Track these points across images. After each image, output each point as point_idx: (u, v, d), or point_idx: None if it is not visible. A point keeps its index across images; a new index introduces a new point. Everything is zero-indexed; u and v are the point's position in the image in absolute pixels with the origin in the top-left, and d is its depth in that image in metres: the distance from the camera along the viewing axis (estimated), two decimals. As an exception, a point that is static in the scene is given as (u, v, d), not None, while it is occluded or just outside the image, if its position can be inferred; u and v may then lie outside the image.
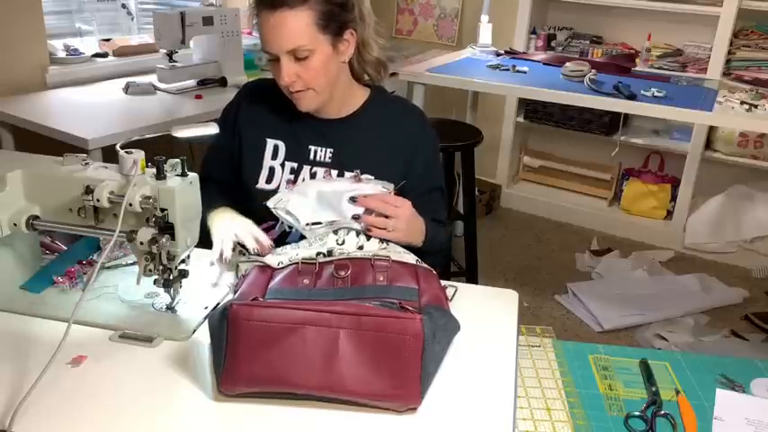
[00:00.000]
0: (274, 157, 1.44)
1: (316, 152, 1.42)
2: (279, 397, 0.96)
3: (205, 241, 1.26)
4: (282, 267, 1.18)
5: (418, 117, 1.51)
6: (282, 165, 1.43)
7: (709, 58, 3.23)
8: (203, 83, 2.81)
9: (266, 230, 1.38)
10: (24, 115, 2.33)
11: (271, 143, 1.45)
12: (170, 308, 1.17)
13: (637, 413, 1.14)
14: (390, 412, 0.95)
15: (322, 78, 1.33)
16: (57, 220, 1.14)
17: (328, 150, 1.42)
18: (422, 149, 1.46)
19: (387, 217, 1.27)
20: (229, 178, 1.48)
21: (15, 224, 1.12)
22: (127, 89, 2.68)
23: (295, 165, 1.43)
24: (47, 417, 0.91)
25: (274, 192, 1.40)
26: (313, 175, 1.41)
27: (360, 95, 1.46)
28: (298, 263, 1.17)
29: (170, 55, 2.75)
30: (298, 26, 1.27)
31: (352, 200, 1.27)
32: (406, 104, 1.56)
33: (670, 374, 1.25)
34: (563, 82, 2.79)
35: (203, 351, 1.08)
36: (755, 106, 2.47)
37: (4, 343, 1.07)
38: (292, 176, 1.42)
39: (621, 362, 1.29)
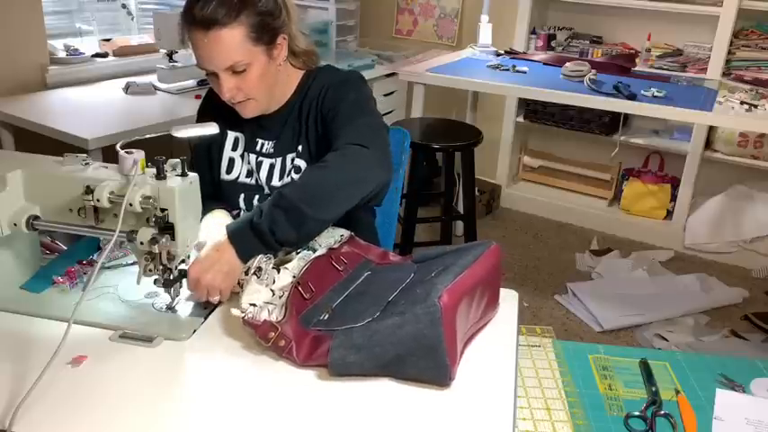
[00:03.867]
0: (234, 148, 1.51)
1: (263, 145, 1.49)
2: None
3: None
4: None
5: (325, 74, 1.48)
6: (242, 156, 1.50)
7: (709, 58, 3.23)
8: (203, 83, 2.81)
9: (235, 217, 1.44)
10: (24, 115, 2.34)
11: (232, 135, 1.51)
12: (170, 308, 1.17)
13: (637, 413, 1.14)
14: (390, 412, 0.95)
15: (262, 87, 1.37)
16: (57, 220, 1.14)
17: (271, 142, 1.48)
18: (335, 97, 1.41)
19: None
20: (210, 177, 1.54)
21: (15, 224, 1.12)
22: (127, 89, 2.69)
23: (249, 155, 1.49)
24: (47, 417, 0.91)
25: (234, 181, 1.49)
26: (259, 164, 1.47)
27: (294, 82, 1.48)
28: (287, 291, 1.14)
29: (170, 55, 2.75)
30: (232, 43, 1.29)
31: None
32: (323, 70, 1.50)
33: (670, 374, 1.25)
34: (563, 82, 2.79)
35: (203, 351, 1.08)
36: (755, 106, 2.48)
37: (4, 343, 1.07)
38: (249, 166, 1.48)
39: (621, 362, 1.29)
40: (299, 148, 1.45)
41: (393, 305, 1.09)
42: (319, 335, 1.06)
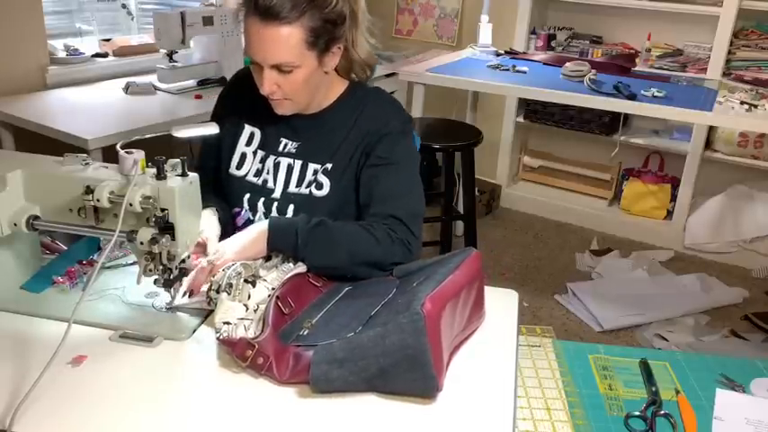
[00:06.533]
0: (249, 143, 1.46)
1: (286, 145, 1.43)
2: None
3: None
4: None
5: (383, 105, 1.44)
6: (255, 153, 1.45)
7: (709, 58, 3.23)
8: (203, 83, 2.82)
9: (234, 216, 1.43)
10: (24, 115, 2.34)
11: (248, 129, 1.46)
12: (170, 308, 1.17)
13: (637, 413, 1.14)
14: (396, 415, 0.96)
15: (303, 91, 1.33)
16: (57, 220, 1.14)
17: (295, 143, 1.43)
18: (382, 133, 1.38)
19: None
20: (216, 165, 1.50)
21: (15, 224, 1.12)
22: (127, 89, 2.69)
23: (264, 154, 1.44)
24: (47, 417, 0.91)
25: (242, 178, 1.43)
26: (276, 165, 1.42)
27: (337, 90, 1.43)
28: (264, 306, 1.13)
29: (170, 55, 2.75)
30: (288, 43, 1.24)
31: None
32: (376, 95, 1.47)
33: (670, 374, 1.25)
34: (563, 82, 2.79)
35: (203, 351, 1.08)
36: (755, 106, 2.48)
37: (4, 343, 1.07)
38: (261, 165, 1.43)
39: (621, 362, 1.29)
40: (329, 166, 1.38)
41: (375, 319, 1.07)
42: (299, 351, 1.03)
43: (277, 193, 1.41)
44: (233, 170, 1.45)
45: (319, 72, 1.33)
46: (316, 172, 1.39)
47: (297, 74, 1.29)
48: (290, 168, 1.41)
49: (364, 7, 1.37)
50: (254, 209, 1.42)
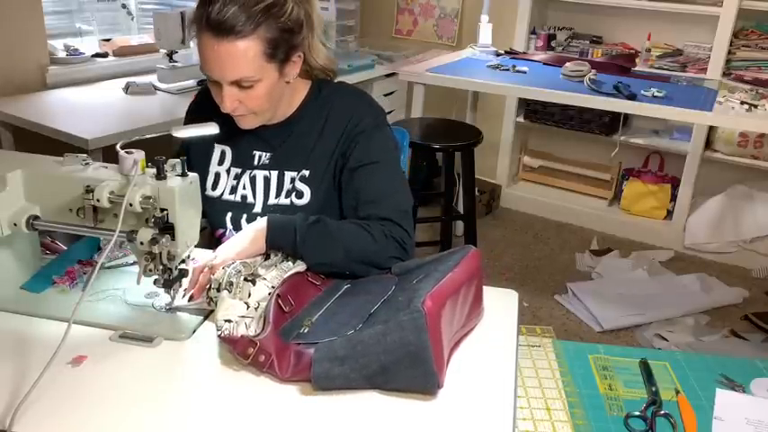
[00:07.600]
0: (221, 162, 1.43)
1: (260, 157, 1.41)
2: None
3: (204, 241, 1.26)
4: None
5: (351, 102, 1.41)
6: (228, 171, 1.42)
7: (709, 58, 3.24)
8: (203, 83, 2.81)
9: (219, 237, 1.40)
10: (24, 115, 2.34)
11: (218, 149, 1.43)
12: (170, 308, 1.17)
13: (637, 413, 1.14)
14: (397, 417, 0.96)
15: (266, 104, 1.30)
16: (57, 220, 1.14)
17: (268, 153, 1.41)
18: (356, 132, 1.37)
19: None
20: None
21: (15, 224, 1.12)
22: (127, 89, 2.69)
23: (239, 170, 1.41)
24: (47, 417, 0.91)
25: (219, 198, 1.41)
26: (253, 179, 1.40)
27: (301, 93, 1.41)
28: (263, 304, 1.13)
29: (170, 55, 2.75)
30: (246, 57, 1.21)
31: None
32: (343, 92, 1.44)
33: (670, 374, 1.25)
34: (563, 82, 2.79)
35: (203, 351, 1.08)
36: (755, 106, 2.48)
37: (4, 343, 1.07)
38: (235, 182, 1.41)
39: (621, 362, 1.29)
40: (306, 172, 1.37)
41: (375, 316, 1.07)
42: (300, 349, 1.03)
43: (258, 207, 1.39)
44: (209, 192, 1.42)
45: (281, 83, 1.30)
46: (293, 180, 1.37)
47: (258, 88, 1.26)
48: (266, 180, 1.39)
49: (319, 10, 1.34)
50: (237, 226, 1.40)
